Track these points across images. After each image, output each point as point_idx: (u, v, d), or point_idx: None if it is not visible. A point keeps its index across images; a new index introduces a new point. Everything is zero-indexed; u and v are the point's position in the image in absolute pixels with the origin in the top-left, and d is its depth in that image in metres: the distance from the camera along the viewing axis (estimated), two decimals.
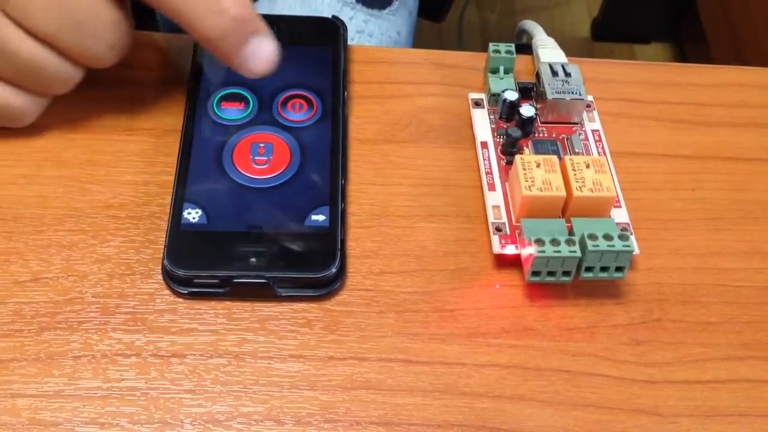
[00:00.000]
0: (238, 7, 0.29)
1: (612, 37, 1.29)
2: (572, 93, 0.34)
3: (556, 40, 0.37)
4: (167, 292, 0.30)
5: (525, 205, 0.30)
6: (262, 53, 0.30)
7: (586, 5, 1.34)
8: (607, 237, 0.29)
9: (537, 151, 0.33)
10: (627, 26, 1.28)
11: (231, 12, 0.29)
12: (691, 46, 1.24)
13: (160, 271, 0.30)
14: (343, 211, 0.31)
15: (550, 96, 0.34)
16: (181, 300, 0.29)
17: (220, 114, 0.33)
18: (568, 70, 0.34)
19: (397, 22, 0.53)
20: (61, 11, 0.28)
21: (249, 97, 0.34)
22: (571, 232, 0.30)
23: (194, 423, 0.27)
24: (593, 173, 0.30)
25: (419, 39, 0.60)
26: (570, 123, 0.35)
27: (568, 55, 0.36)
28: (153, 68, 0.35)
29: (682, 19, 1.24)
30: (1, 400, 0.27)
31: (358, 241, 0.31)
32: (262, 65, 0.30)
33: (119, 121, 0.34)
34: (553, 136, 0.34)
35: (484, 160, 0.33)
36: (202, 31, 0.29)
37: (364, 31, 0.50)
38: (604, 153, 0.34)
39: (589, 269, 0.29)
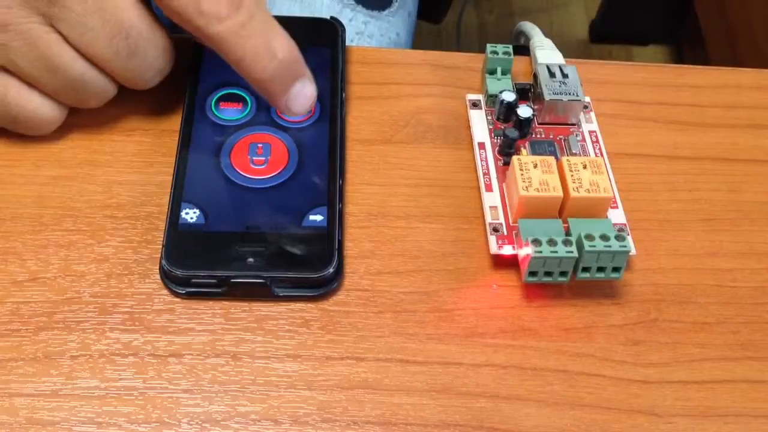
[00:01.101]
0: (287, 51, 0.30)
1: (610, 39, 1.29)
2: (569, 94, 0.34)
3: (554, 42, 0.37)
4: (165, 292, 0.30)
5: (522, 206, 0.30)
6: (305, 95, 0.31)
7: (584, 7, 1.34)
8: (604, 237, 0.29)
9: (534, 152, 0.33)
10: (625, 28, 1.28)
11: (280, 55, 0.30)
12: (688, 48, 1.24)
13: (157, 271, 0.30)
14: (341, 212, 0.31)
15: (547, 97, 0.34)
16: (178, 300, 0.29)
17: (218, 114, 0.33)
18: (566, 72, 0.34)
19: (396, 23, 0.53)
20: (118, 38, 0.29)
21: (247, 97, 0.34)
22: (568, 233, 0.30)
23: (191, 422, 0.27)
24: (590, 174, 0.30)
25: (417, 41, 0.60)
26: (567, 124, 0.35)
27: (565, 56, 0.36)
28: None
29: (680, 22, 1.25)
30: None
31: (355, 242, 0.31)
32: (304, 107, 0.31)
33: (117, 121, 0.34)
34: (551, 137, 0.34)
35: (482, 160, 0.33)
36: (254, 73, 0.30)
37: (364, 33, 0.50)
38: (601, 154, 0.34)
39: (585, 269, 0.29)
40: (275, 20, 0.30)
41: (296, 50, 0.31)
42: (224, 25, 0.29)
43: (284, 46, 0.30)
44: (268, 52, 0.30)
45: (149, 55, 0.31)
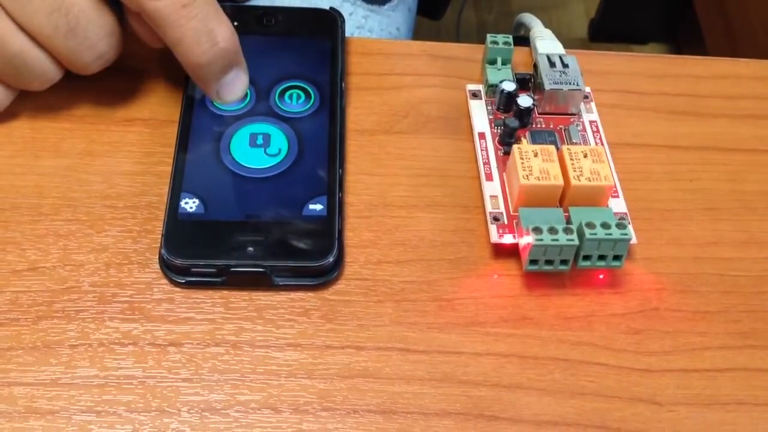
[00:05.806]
0: (228, 40, 0.30)
1: (609, 37, 1.29)
2: (570, 84, 0.34)
3: None
4: (164, 281, 0.29)
5: (523, 194, 0.30)
6: (238, 85, 0.32)
7: (584, 6, 1.34)
8: (605, 225, 0.29)
9: (534, 142, 0.33)
10: (624, 27, 1.28)
11: (221, 43, 0.30)
12: (688, 47, 1.24)
13: (157, 260, 0.30)
14: (341, 201, 0.31)
15: (547, 87, 0.34)
16: (178, 289, 0.29)
17: (217, 104, 0.33)
18: (566, 61, 0.34)
19: (396, 18, 0.53)
20: (58, 13, 0.29)
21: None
22: (568, 221, 0.30)
23: (191, 411, 0.27)
24: (591, 163, 0.30)
25: (417, 37, 0.60)
26: (568, 114, 0.35)
27: None
28: (151, 59, 0.35)
29: (679, 20, 1.25)
30: None
31: (355, 231, 0.31)
32: (234, 95, 0.32)
33: (117, 111, 0.34)
34: (551, 126, 0.34)
35: (482, 150, 0.33)
36: (191, 56, 0.30)
37: (364, 27, 0.50)
38: (602, 144, 0.34)
39: (586, 258, 0.29)
40: (220, 7, 0.30)
41: (237, 40, 0.31)
42: (164, 1, 0.28)
43: (226, 34, 0.30)
44: (209, 38, 0.29)
45: (90, 36, 0.30)
